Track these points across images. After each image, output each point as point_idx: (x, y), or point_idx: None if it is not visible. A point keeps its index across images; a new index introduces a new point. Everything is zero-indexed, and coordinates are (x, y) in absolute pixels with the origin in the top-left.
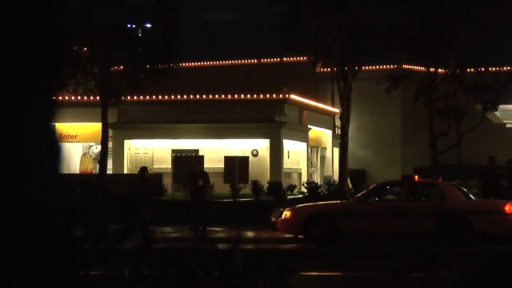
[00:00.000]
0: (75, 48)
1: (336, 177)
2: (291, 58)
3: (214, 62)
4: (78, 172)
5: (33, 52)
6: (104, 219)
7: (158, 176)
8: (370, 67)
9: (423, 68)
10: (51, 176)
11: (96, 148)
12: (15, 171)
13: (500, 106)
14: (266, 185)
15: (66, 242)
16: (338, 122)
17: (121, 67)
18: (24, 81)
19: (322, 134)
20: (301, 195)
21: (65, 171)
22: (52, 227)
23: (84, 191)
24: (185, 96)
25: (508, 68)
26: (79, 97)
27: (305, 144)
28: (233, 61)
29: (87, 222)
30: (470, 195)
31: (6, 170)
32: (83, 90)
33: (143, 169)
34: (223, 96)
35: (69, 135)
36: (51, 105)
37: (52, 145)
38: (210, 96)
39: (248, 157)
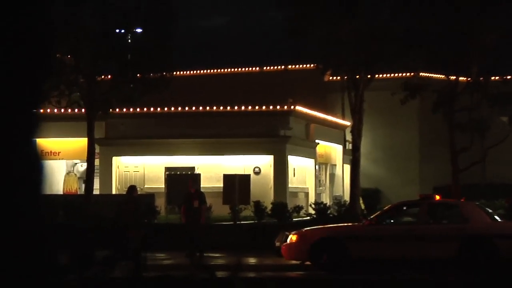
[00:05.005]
0: (58, 56)
1: (347, 197)
2: (297, 66)
3: (212, 71)
4: (61, 192)
5: (14, 61)
6: (90, 245)
7: (150, 196)
8: (384, 75)
9: (443, 76)
10: (34, 197)
11: (82, 166)
12: None
13: None
14: (269, 206)
15: (50, 271)
16: (349, 137)
17: (109, 76)
18: (4, 93)
19: (332, 150)
20: (308, 217)
21: (47, 192)
22: (35, 253)
23: (68, 213)
24: (179, 108)
25: None
26: (62, 110)
27: (312, 160)
28: (232, 70)
29: (72, 249)
30: (496, 217)
31: None
32: (67, 102)
33: (132, 188)
34: (221, 108)
35: (51, 151)
36: (33, 120)
37: (35, 163)
38: (208, 108)
39: (249, 175)
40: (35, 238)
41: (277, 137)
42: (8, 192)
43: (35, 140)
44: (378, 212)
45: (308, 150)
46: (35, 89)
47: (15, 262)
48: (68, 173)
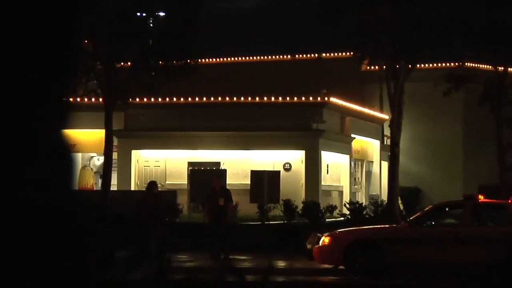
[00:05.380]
0: None
1: (384, 196)
2: (332, 54)
3: (240, 58)
4: (76, 188)
5: (40, 49)
6: (110, 245)
7: (172, 193)
8: (427, 65)
9: (490, 67)
10: (65, 192)
11: (98, 160)
12: (26, 184)
13: None
14: (300, 206)
15: (72, 273)
16: (387, 131)
17: (129, 63)
18: (35, 82)
19: (368, 145)
20: (342, 218)
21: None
22: (65, 253)
23: (84, 211)
24: (204, 99)
25: None
26: (78, 99)
27: (347, 156)
28: (262, 57)
29: (91, 249)
30: None
31: (15, 183)
32: (83, 90)
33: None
34: (250, 98)
35: None
36: (62, 109)
37: (65, 156)
38: (235, 98)
39: (279, 171)
40: (66, 237)
41: (309, 130)
42: (38, 187)
43: (65, 131)
44: (418, 213)
45: (343, 145)
46: (63, 77)
47: (44, 262)
48: (83, 167)
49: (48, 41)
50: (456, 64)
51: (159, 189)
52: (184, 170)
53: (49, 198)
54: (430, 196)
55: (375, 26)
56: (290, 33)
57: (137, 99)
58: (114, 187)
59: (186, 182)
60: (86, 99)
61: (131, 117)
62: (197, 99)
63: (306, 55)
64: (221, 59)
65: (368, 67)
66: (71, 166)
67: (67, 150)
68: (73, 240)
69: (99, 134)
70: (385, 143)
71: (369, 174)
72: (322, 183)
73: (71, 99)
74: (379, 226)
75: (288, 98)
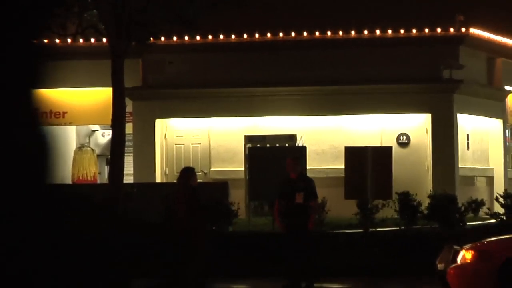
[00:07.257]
0: None
1: None
2: None
3: None
4: (69, 181)
5: None
6: (123, 269)
7: (221, 186)
8: None
9: None
10: (35, 188)
11: (103, 136)
12: None
13: None
14: (425, 202)
15: None
16: None
17: None
18: None
19: None
20: (493, 220)
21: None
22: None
23: (82, 217)
24: (269, 35)
25: None
26: (69, 40)
27: (500, 122)
28: None
29: (95, 275)
30: None
31: None
32: (77, 27)
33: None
34: (341, 33)
35: (51, 111)
36: (32, 56)
37: (35, 131)
38: (317, 33)
39: (390, 148)
40: (34, 254)
41: (437, 82)
42: None
43: (35, 91)
44: None
45: (492, 104)
46: (35, 3)
47: None
48: (80, 148)
49: None
50: None
51: (200, 180)
52: (239, 148)
53: (10, 201)
54: None
55: None
56: None
57: (162, 38)
58: (129, 178)
59: (243, 168)
60: (81, 40)
61: (154, 67)
62: (257, 36)
63: None
64: None
65: None
66: (46, 147)
67: (36, 121)
68: (52, 267)
69: (103, 95)
70: None
71: None
72: (460, 165)
73: (58, 41)
74: None
75: (402, 31)
